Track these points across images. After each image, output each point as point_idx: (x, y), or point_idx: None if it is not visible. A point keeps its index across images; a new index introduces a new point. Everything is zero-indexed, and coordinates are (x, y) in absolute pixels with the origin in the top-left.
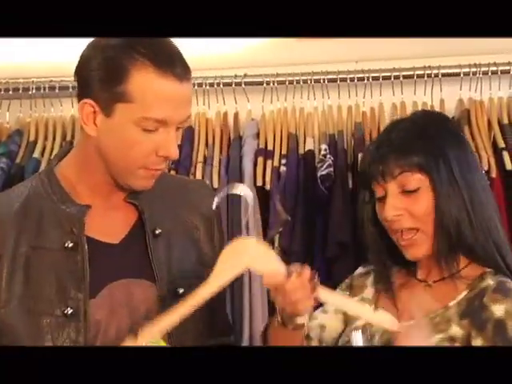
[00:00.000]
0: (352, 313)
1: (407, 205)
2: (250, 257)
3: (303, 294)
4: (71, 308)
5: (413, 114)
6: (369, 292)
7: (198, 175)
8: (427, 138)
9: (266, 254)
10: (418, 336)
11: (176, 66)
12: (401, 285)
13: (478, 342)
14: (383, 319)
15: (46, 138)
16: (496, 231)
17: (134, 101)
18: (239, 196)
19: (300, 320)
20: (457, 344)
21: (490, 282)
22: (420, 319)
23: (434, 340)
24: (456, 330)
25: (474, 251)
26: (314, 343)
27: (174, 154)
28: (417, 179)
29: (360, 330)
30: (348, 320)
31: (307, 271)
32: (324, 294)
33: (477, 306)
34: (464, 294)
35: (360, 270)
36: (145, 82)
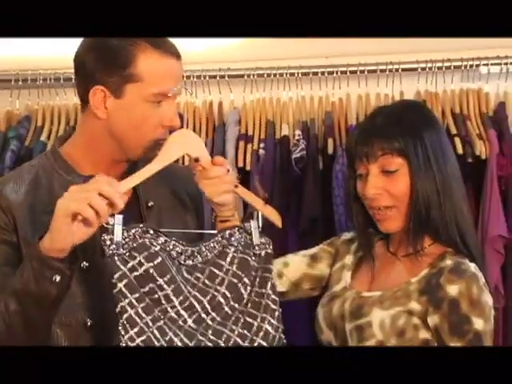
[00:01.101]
0: (250, 202)
1: (386, 184)
2: (190, 145)
3: (222, 182)
4: (87, 262)
5: (394, 103)
6: (349, 258)
7: (187, 157)
8: (407, 125)
9: (200, 145)
10: None
11: (171, 47)
12: (377, 255)
13: (434, 318)
14: (272, 214)
15: (51, 124)
16: (461, 215)
17: (143, 80)
18: None
19: (225, 213)
20: (414, 317)
21: (448, 262)
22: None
23: (393, 312)
24: (414, 305)
25: (438, 231)
26: (275, 279)
27: (177, 122)
28: (397, 162)
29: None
30: (313, 265)
31: (226, 166)
32: (241, 189)
33: (434, 284)
34: (425, 271)
35: (345, 235)
36: (150, 61)
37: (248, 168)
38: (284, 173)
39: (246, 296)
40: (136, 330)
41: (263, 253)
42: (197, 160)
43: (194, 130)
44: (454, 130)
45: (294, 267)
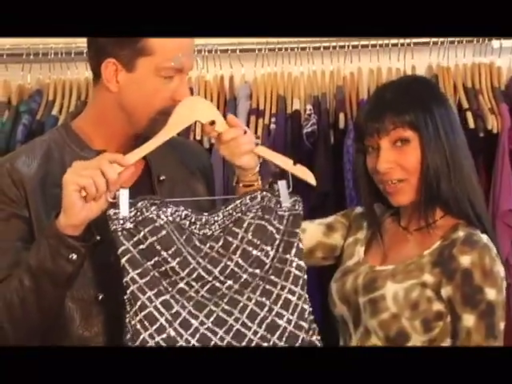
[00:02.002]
0: (277, 163)
1: (398, 158)
2: (199, 111)
3: (240, 143)
4: (98, 236)
5: (401, 78)
6: (362, 233)
7: (198, 132)
8: (417, 98)
9: (211, 109)
10: None
11: None
12: (388, 230)
13: (447, 289)
14: (303, 172)
15: (63, 98)
16: (472, 187)
17: (154, 53)
18: None
19: (250, 177)
20: (427, 289)
21: (460, 233)
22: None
23: (406, 285)
24: (428, 277)
25: (449, 203)
26: None
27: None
28: (408, 135)
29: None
30: (328, 234)
31: (242, 126)
32: (261, 149)
33: (447, 256)
34: (438, 243)
35: (358, 209)
36: None
37: (259, 143)
38: (295, 147)
39: (268, 262)
40: (138, 304)
41: (291, 215)
42: (212, 123)
43: None
44: (465, 105)
45: (309, 234)
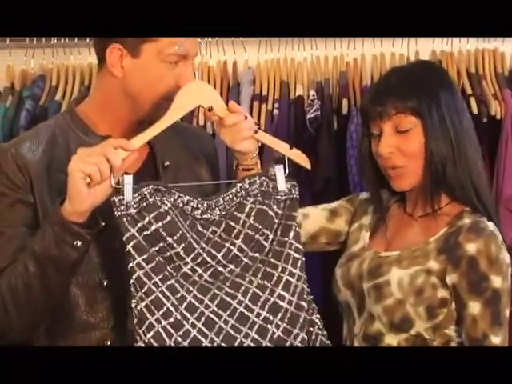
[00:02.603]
0: (275, 147)
1: (399, 143)
2: (202, 95)
3: (240, 129)
4: (103, 222)
5: (410, 63)
6: (367, 219)
7: (201, 117)
8: (422, 84)
9: (214, 95)
10: None
11: None
12: (394, 216)
13: (453, 277)
14: (299, 157)
15: (66, 83)
16: (477, 174)
17: (159, 39)
18: None
19: (249, 161)
20: (432, 276)
21: (466, 220)
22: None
23: (411, 271)
24: (433, 264)
25: (454, 190)
26: None
27: None
28: (410, 121)
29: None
30: (331, 219)
31: (243, 112)
32: (261, 134)
33: (452, 243)
34: (443, 230)
35: (363, 195)
36: None
37: (262, 128)
38: (298, 133)
39: (267, 245)
40: (145, 289)
41: (288, 199)
42: (210, 109)
43: None
44: (469, 90)
45: (313, 219)
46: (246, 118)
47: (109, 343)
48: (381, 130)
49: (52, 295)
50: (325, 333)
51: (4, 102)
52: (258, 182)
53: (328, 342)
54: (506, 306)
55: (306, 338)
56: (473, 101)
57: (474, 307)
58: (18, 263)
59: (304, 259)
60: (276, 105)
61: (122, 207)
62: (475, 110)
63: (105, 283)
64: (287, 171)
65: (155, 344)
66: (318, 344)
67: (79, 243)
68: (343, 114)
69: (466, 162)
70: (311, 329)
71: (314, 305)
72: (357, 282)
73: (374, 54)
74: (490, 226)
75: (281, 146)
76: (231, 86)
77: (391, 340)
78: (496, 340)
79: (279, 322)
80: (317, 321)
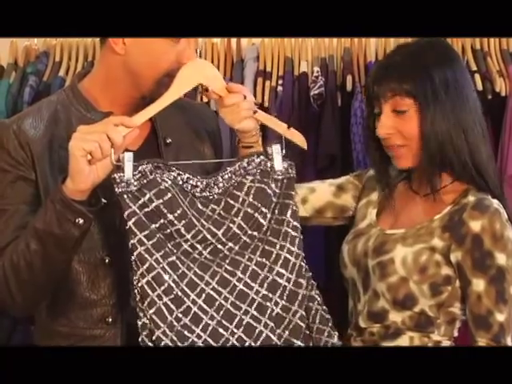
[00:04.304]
0: (272, 127)
1: (398, 124)
2: (203, 74)
3: (240, 109)
4: (105, 199)
5: (416, 40)
6: (375, 196)
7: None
8: (421, 65)
9: (216, 74)
10: None
11: None
12: (400, 194)
13: (457, 254)
14: (296, 137)
15: (69, 59)
16: (479, 153)
17: None
18: None
19: (249, 139)
20: (436, 254)
21: (470, 198)
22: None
23: (415, 249)
24: (437, 242)
25: (455, 170)
26: (299, 204)
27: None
28: (406, 103)
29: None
30: (338, 194)
31: (243, 92)
32: (260, 114)
33: (457, 221)
34: (448, 208)
35: (373, 171)
36: None
37: (266, 105)
38: (302, 109)
39: (265, 223)
40: (146, 266)
41: (285, 178)
42: (206, 90)
43: None
44: (473, 67)
45: (319, 194)
46: (245, 97)
47: (110, 320)
48: (381, 110)
49: (54, 272)
50: (324, 307)
51: (7, 78)
52: (256, 160)
53: (328, 316)
54: (511, 283)
55: (304, 314)
56: (477, 77)
57: (479, 284)
58: (19, 241)
59: (302, 237)
60: (280, 81)
61: (123, 184)
62: (480, 87)
63: (106, 260)
64: (284, 151)
65: (157, 320)
66: (317, 318)
67: (81, 221)
68: (347, 90)
69: (467, 141)
70: (310, 304)
71: (312, 281)
72: (362, 259)
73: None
74: (495, 203)
75: (279, 126)
76: (235, 63)
77: (395, 317)
78: (500, 317)
79: (278, 300)
80: (316, 296)
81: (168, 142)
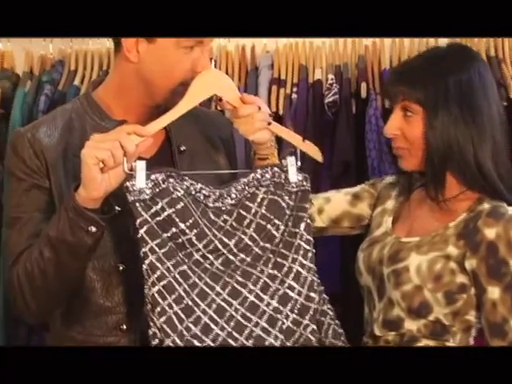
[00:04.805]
0: (287, 139)
1: (404, 127)
2: (217, 84)
3: (254, 120)
4: (118, 207)
5: (438, 47)
6: (391, 203)
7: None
8: (434, 72)
9: (230, 84)
10: None
11: None
12: (416, 201)
13: (472, 262)
14: (311, 149)
15: (85, 68)
16: (493, 162)
17: None
18: None
19: (264, 150)
20: (451, 262)
21: (485, 205)
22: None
23: (430, 257)
24: (452, 250)
25: (464, 180)
26: (314, 214)
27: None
28: (414, 108)
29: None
30: (354, 203)
31: (257, 103)
32: (274, 125)
33: (471, 228)
34: (463, 215)
35: (388, 179)
36: None
37: (281, 112)
38: (317, 117)
39: (278, 236)
40: (157, 275)
41: (299, 191)
42: (220, 100)
43: (227, 75)
44: None
45: (335, 204)
46: (259, 108)
47: (125, 327)
48: (393, 110)
49: (67, 280)
50: (337, 322)
51: (23, 86)
52: (270, 172)
53: (341, 330)
54: None
55: (316, 329)
56: None
57: (494, 292)
58: (33, 248)
59: (314, 251)
60: (294, 89)
61: (135, 193)
62: None
63: (120, 268)
64: (299, 163)
65: (167, 329)
66: (330, 333)
67: (93, 229)
68: (362, 97)
69: (475, 152)
70: (322, 318)
71: (324, 295)
72: (377, 266)
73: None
74: (510, 210)
75: (293, 138)
76: (249, 71)
77: (411, 325)
78: None
79: (289, 313)
80: (328, 311)
81: (182, 149)
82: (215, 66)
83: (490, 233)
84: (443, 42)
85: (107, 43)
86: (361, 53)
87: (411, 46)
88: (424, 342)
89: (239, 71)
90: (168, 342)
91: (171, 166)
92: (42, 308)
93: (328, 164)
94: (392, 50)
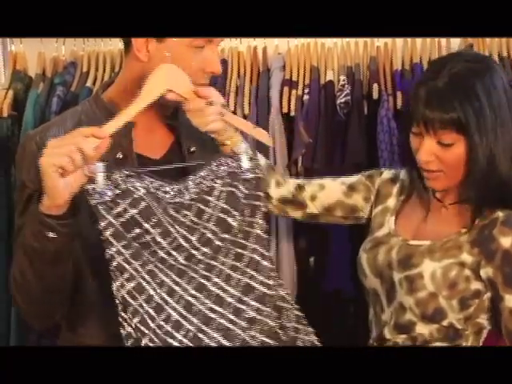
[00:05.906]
0: (238, 126)
1: (439, 153)
2: (170, 80)
3: (204, 114)
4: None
5: (458, 58)
6: (392, 202)
7: (231, 103)
8: (468, 93)
9: (182, 78)
10: None
11: None
12: (420, 200)
13: (487, 270)
14: (261, 135)
15: (97, 69)
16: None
17: None
18: None
19: (220, 137)
20: (466, 269)
21: (500, 214)
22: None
23: (444, 264)
24: (466, 257)
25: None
26: (307, 195)
27: (218, 69)
28: (453, 137)
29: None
30: (349, 194)
31: (209, 97)
32: (228, 116)
33: (486, 236)
34: (476, 222)
35: (386, 173)
36: None
37: (292, 114)
38: (329, 118)
39: (236, 225)
40: (126, 276)
41: (253, 179)
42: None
43: (239, 76)
44: None
45: (329, 192)
46: (210, 103)
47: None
48: (422, 134)
49: (49, 285)
50: (296, 306)
51: (36, 88)
52: (224, 163)
53: (299, 313)
54: None
55: (277, 315)
56: None
57: (511, 300)
58: (14, 255)
59: (268, 237)
60: (306, 90)
61: (96, 196)
62: None
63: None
64: (250, 151)
65: (143, 328)
66: (292, 317)
67: (51, 235)
68: (374, 98)
69: (498, 172)
70: (283, 304)
71: (280, 280)
72: (386, 270)
73: (405, 38)
74: None
75: (244, 125)
76: (261, 72)
77: (423, 329)
78: None
79: (252, 302)
80: (286, 296)
81: (192, 150)
82: (227, 67)
83: (506, 241)
84: (455, 42)
85: (119, 44)
86: (372, 54)
87: (423, 47)
88: (435, 345)
89: (251, 73)
90: (145, 341)
91: (181, 168)
92: (38, 314)
93: (340, 165)
94: (404, 51)
